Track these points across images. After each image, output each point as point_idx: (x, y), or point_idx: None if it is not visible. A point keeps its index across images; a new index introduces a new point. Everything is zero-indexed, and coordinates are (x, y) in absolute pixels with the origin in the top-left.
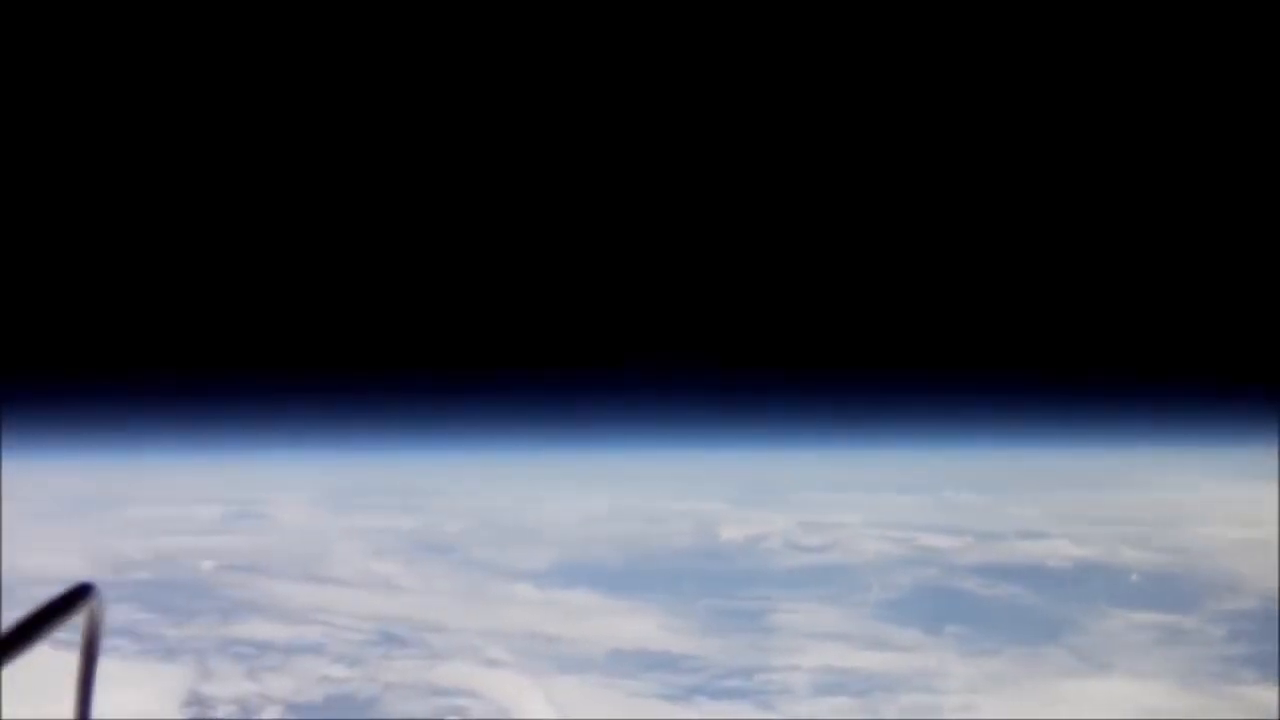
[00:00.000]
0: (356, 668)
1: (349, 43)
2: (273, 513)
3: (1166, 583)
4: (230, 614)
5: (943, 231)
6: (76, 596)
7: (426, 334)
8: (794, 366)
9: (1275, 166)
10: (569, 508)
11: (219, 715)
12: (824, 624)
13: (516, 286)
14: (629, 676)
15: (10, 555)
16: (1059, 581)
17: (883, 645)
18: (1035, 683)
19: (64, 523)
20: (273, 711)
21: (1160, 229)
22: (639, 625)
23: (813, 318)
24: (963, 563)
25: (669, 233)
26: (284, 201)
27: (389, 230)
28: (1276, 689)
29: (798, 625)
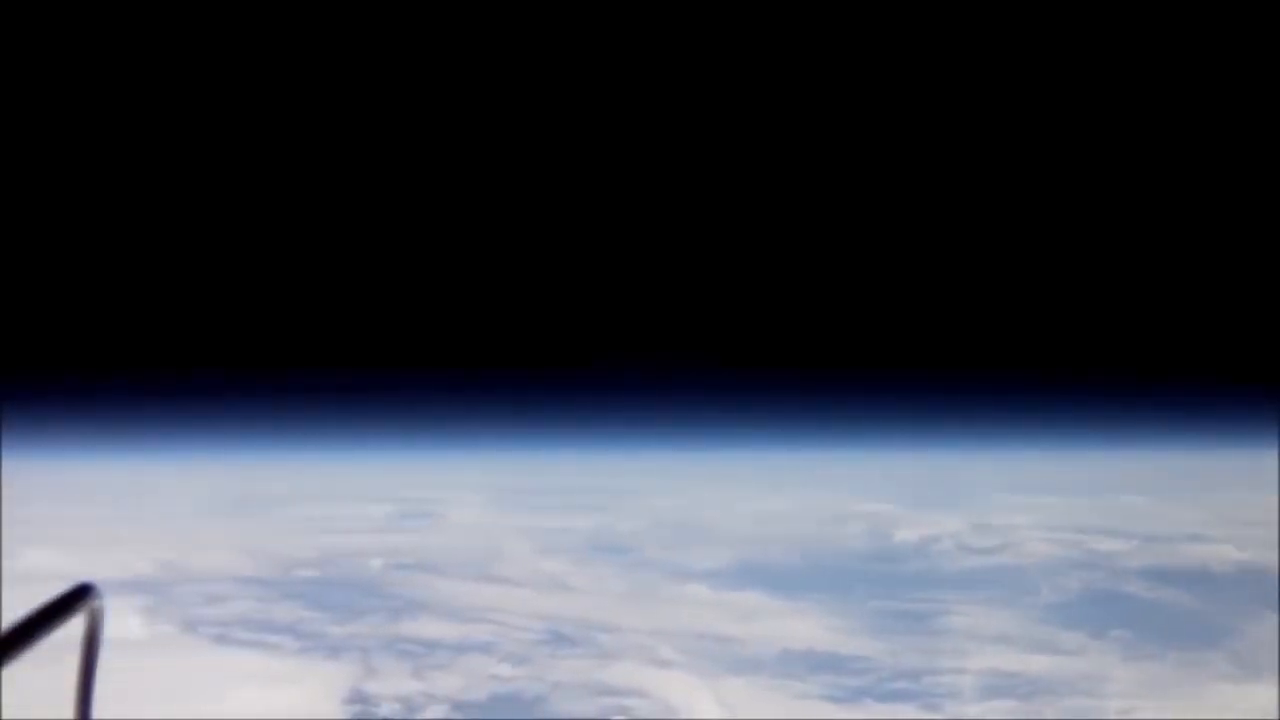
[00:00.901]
0: (524, 667)
1: (349, 43)
2: (445, 512)
3: None
4: (398, 612)
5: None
6: (77, 596)
7: (598, 334)
8: (970, 369)
9: (1276, 167)
10: (746, 508)
11: (382, 712)
12: (992, 627)
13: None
14: (797, 678)
15: (179, 553)
16: (1221, 585)
17: (1048, 648)
18: (1194, 687)
19: (233, 522)
20: (437, 710)
21: None
22: (809, 626)
23: (985, 319)
24: (1128, 566)
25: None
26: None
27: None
28: (1277, 688)
29: (966, 628)
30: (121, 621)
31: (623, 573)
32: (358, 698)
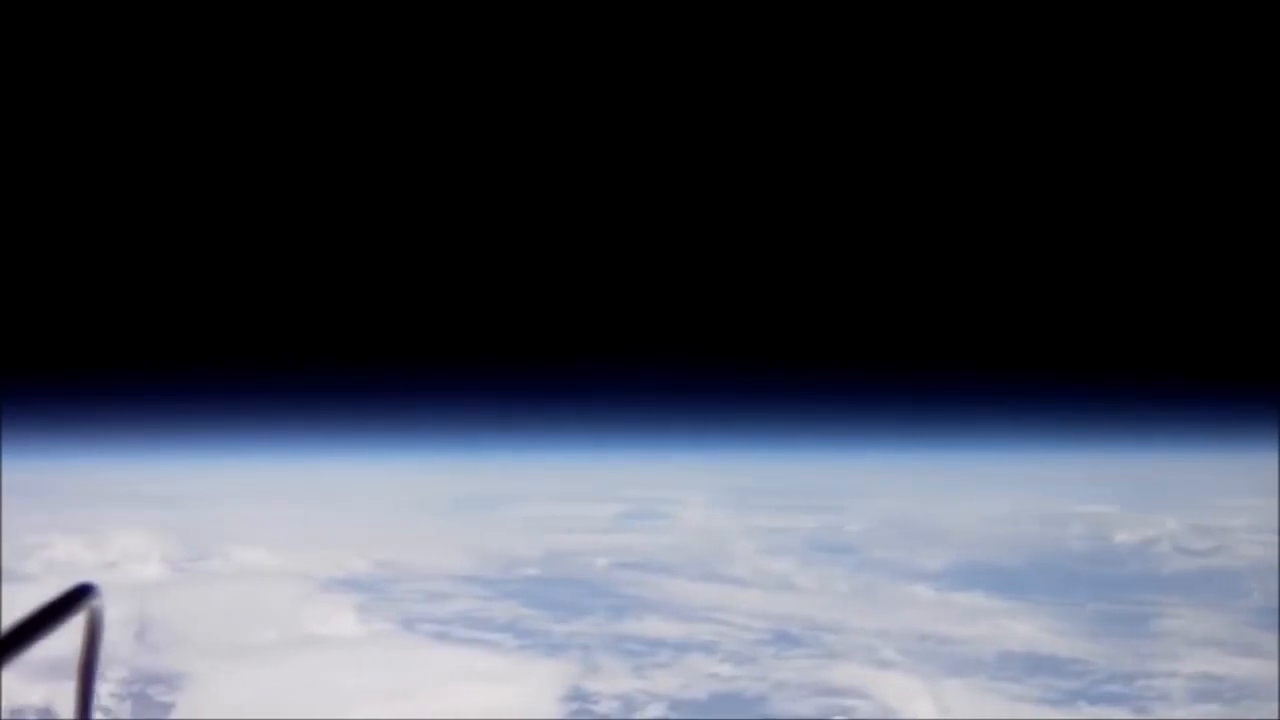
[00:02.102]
0: (746, 666)
1: (349, 42)
2: (672, 512)
3: None
4: (621, 611)
5: None
6: (77, 596)
7: (833, 334)
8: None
9: (1276, 167)
10: (972, 509)
11: (600, 710)
12: (1205, 630)
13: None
14: (1014, 680)
15: (400, 553)
16: None
17: (1258, 653)
18: None
19: (458, 521)
20: (656, 708)
21: None
22: (1028, 628)
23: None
24: None
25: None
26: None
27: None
28: (1277, 688)
29: (1180, 630)
30: (336, 618)
31: (848, 573)
32: (577, 695)
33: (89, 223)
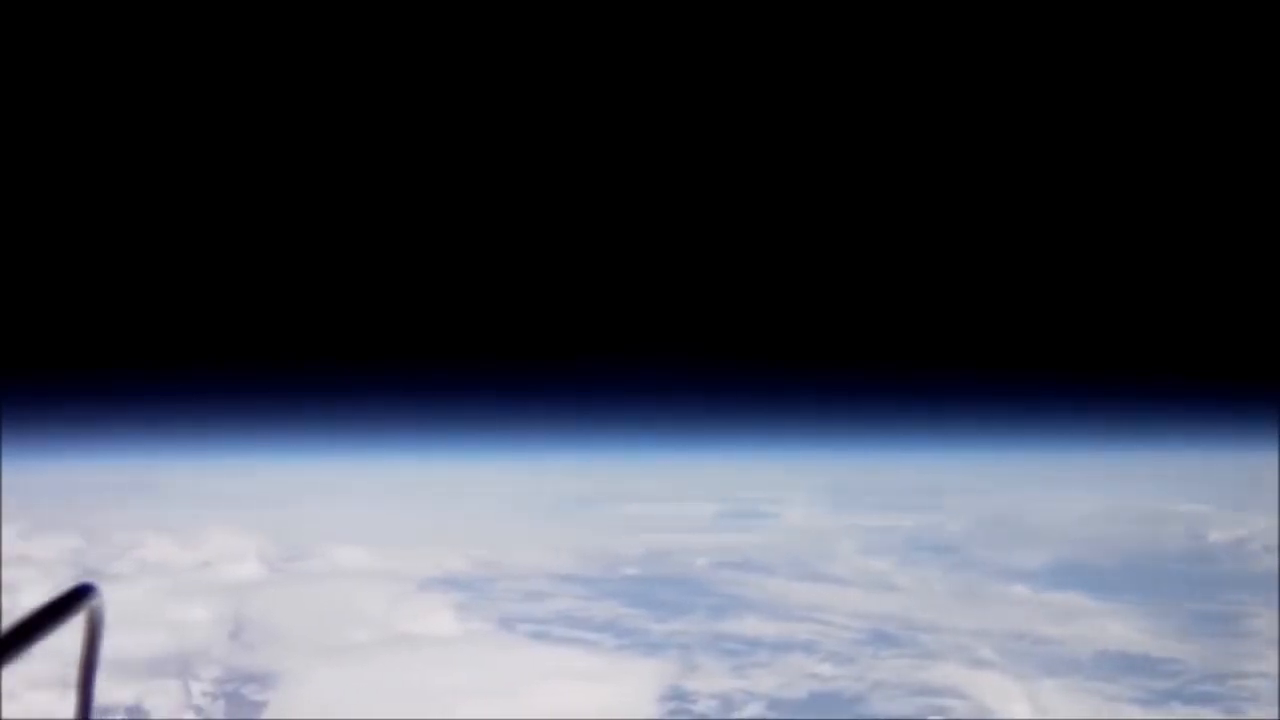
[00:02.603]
0: (845, 666)
1: (348, 42)
2: (774, 511)
3: None
4: (722, 610)
5: None
6: (77, 596)
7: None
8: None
9: (1275, 167)
10: (1068, 507)
11: (699, 709)
12: None
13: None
14: (1109, 680)
15: (501, 552)
16: None
17: None
18: None
19: (560, 521)
20: (754, 708)
21: None
22: (1124, 627)
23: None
24: None
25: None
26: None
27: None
28: (1276, 688)
29: (1272, 630)
30: (434, 617)
31: (947, 572)
32: (675, 695)
33: (132, 223)
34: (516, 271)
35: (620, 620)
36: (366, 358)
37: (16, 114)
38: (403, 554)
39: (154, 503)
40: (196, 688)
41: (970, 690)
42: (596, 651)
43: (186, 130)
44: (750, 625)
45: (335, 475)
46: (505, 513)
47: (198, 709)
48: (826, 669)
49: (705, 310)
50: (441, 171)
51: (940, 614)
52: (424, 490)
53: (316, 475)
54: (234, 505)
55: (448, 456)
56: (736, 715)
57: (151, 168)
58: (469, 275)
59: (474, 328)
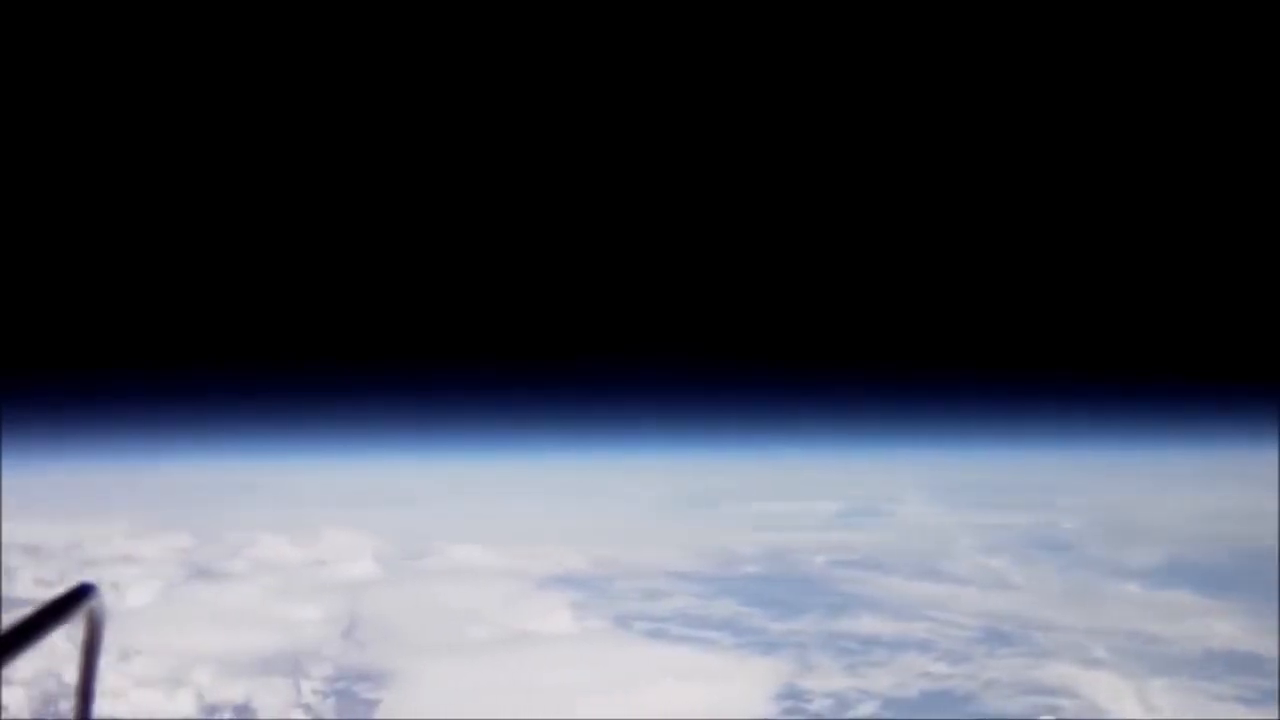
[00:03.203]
0: (959, 665)
1: (349, 44)
2: (891, 509)
3: None
4: (838, 609)
5: None
6: (77, 596)
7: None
8: None
9: (1275, 167)
10: (1180, 505)
11: (813, 708)
12: None
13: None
14: (1216, 679)
15: (619, 550)
16: None
17: None
18: None
19: (678, 519)
20: (869, 707)
21: None
22: (1231, 626)
23: None
24: None
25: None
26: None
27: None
28: (1276, 688)
29: None
30: (551, 616)
31: (1061, 570)
32: (791, 693)
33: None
34: (635, 269)
35: (738, 619)
36: (492, 358)
37: (19, 115)
38: (521, 552)
39: (270, 503)
40: (307, 686)
41: (1082, 689)
42: (713, 650)
43: (213, 132)
44: (866, 624)
45: (457, 475)
46: (625, 511)
47: (307, 707)
48: (940, 668)
49: (828, 311)
50: (486, 169)
51: (1054, 612)
52: (544, 489)
53: (438, 475)
54: (353, 505)
55: (567, 455)
56: (850, 714)
57: (182, 169)
58: (592, 276)
59: (597, 327)
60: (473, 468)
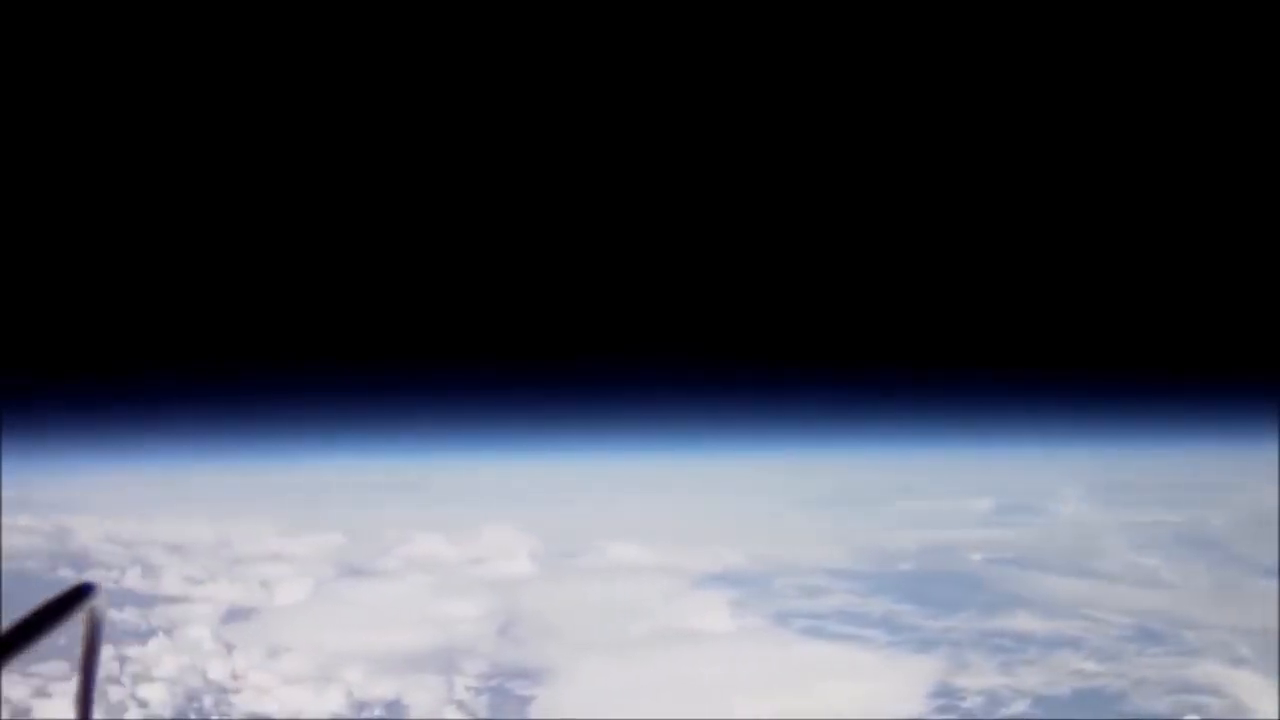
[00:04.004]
0: (1109, 663)
1: (349, 43)
2: (1046, 506)
3: None
4: (992, 607)
5: None
6: (77, 596)
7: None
8: None
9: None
10: None
11: (966, 705)
12: None
13: None
14: None
15: (777, 548)
16: None
17: None
18: None
19: (835, 516)
20: (1020, 705)
21: None
22: None
23: None
24: None
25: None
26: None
27: None
28: (1276, 688)
29: None
30: (708, 614)
31: (1212, 568)
32: (944, 691)
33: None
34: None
35: (894, 616)
36: (646, 356)
37: (20, 115)
38: (679, 550)
39: (427, 502)
40: (460, 683)
41: (1228, 688)
42: (869, 648)
43: (233, 135)
44: (1020, 622)
45: (614, 473)
46: (783, 508)
47: (460, 704)
48: (1090, 666)
49: (988, 304)
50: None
51: (1203, 611)
52: (701, 487)
53: (596, 473)
54: (510, 503)
55: (725, 452)
56: (1002, 713)
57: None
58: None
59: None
60: (630, 466)
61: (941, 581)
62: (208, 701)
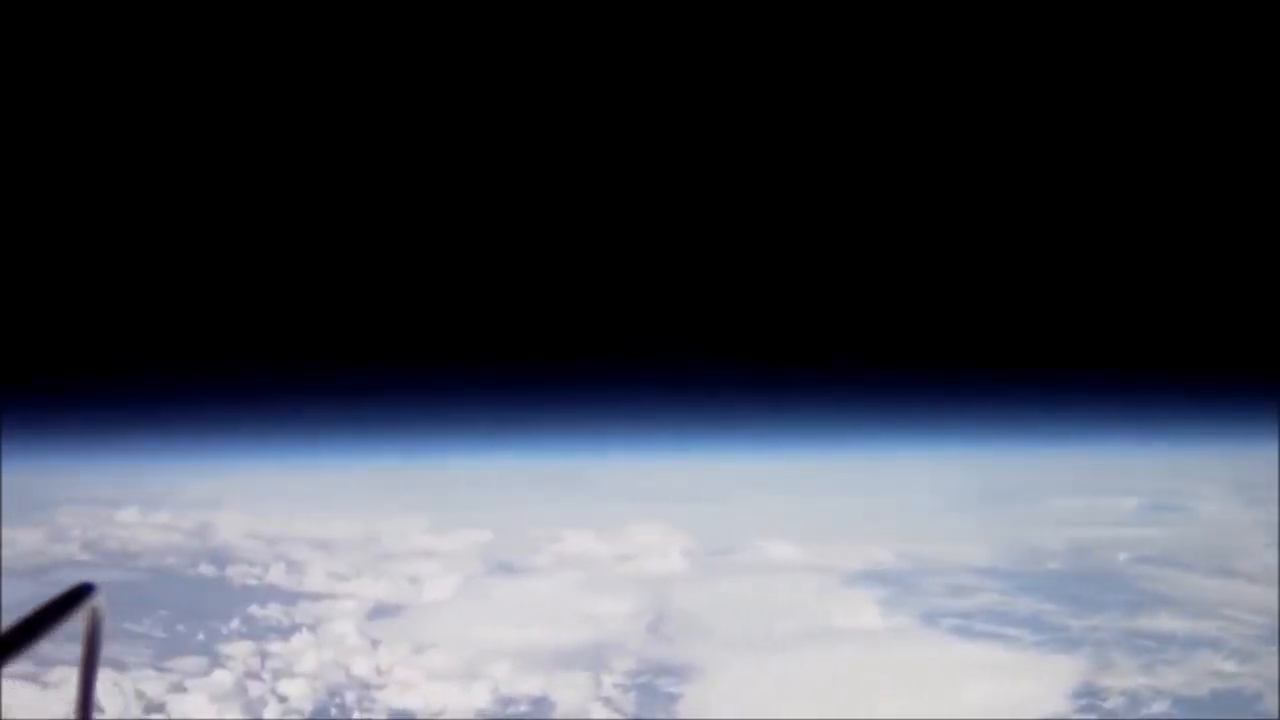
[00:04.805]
0: (1248, 664)
1: (348, 42)
2: (1190, 505)
3: None
4: (1137, 606)
5: None
6: (77, 596)
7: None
8: None
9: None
10: None
11: (1107, 707)
12: None
13: None
14: None
15: (926, 546)
16: None
17: None
18: None
19: (983, 514)
20: (1160, 706)
21: None
22: None
23: None
24: None
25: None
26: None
27: None
28: (1276, 688)
29: None
30: (857, 612)
31: None
32: (1086, 691)
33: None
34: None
35: (1040, 615)
36: (794, 356)
37: (21, 116)
38: (830, 548)
39: (580, 500)
40: (607, 680)
41: None
42: (1014, 647)
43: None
44: (1163, 621)
45: (768, 471)
46: (931, 507)
47: (607, 700)
48: (1230, 666)
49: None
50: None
51: None
52: (855, 484)
53: (747, 471)
54: (665, 500)
55: (877, 451)
56: (1143, 713)
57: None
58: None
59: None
60: (784, 464)
61: (1087, 580)
62: (350, 697)
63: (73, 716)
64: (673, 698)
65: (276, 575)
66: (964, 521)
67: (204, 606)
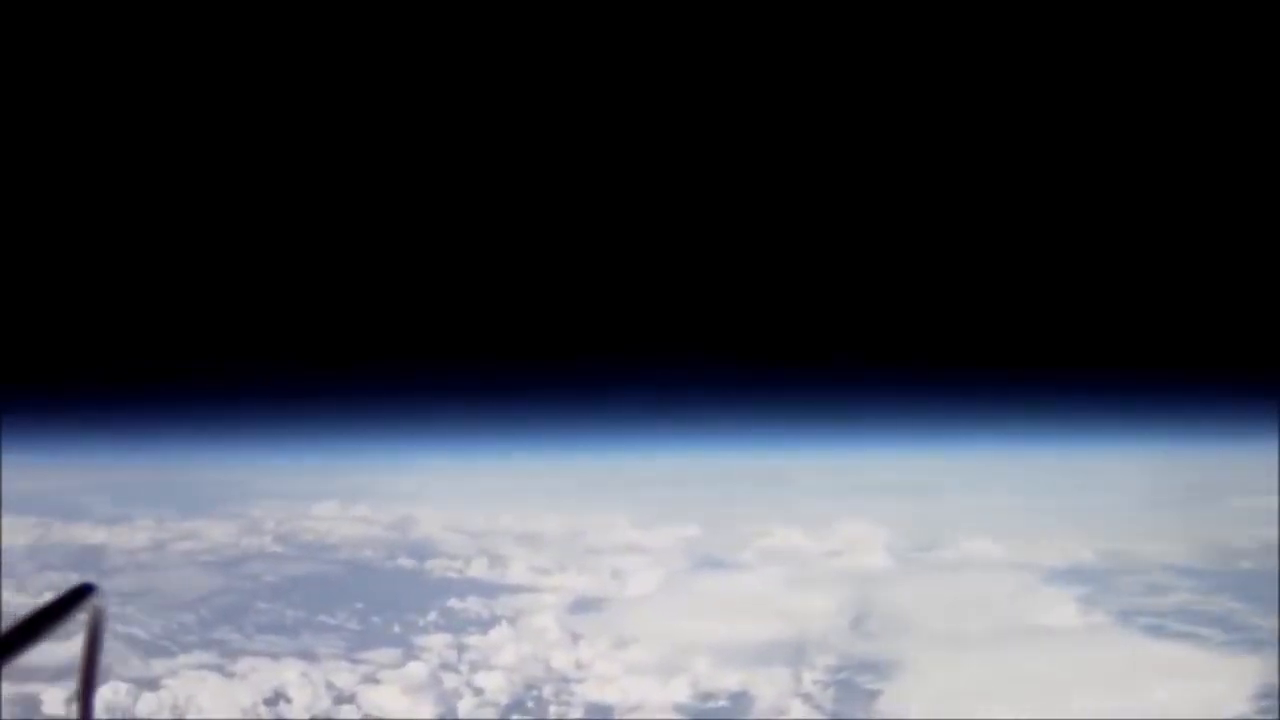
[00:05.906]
0: None
1: (348, 42)
2: None
3: None
4: None
5: None
6: (77, 596)
7: None
8: None
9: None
10: None
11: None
12: None
13: None
14: None
15: (1126, 544)
16: None
17: None
18: None
19: (1182, 511)
20: None
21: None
22: None
23: None
24: None
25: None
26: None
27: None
28: (1276, 688)
29: None
30: (1055, 609)
31: None
32: (1268, 693)
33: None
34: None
35: (1232, 615)
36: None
37: (23, 116)
38: (1031, 545)
39: (790, 496)
40: (808, 676)
41: None
42: (1205, 647)
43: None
44: None
45: (973, 467)
46: (1127, 504)
47: (807, 696)
48: None
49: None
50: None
51: None
52: (1057, 482)
53: (955, 467)
54: (871, 496)
55: (1079, 448)
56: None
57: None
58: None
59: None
60: (989, 460)
61: (1271, 579)
62: (547, 690)
63: (73, 717)
64: (872, 694)
65: (478, 569)
66: (1160, 519)
67: (401, 599)
